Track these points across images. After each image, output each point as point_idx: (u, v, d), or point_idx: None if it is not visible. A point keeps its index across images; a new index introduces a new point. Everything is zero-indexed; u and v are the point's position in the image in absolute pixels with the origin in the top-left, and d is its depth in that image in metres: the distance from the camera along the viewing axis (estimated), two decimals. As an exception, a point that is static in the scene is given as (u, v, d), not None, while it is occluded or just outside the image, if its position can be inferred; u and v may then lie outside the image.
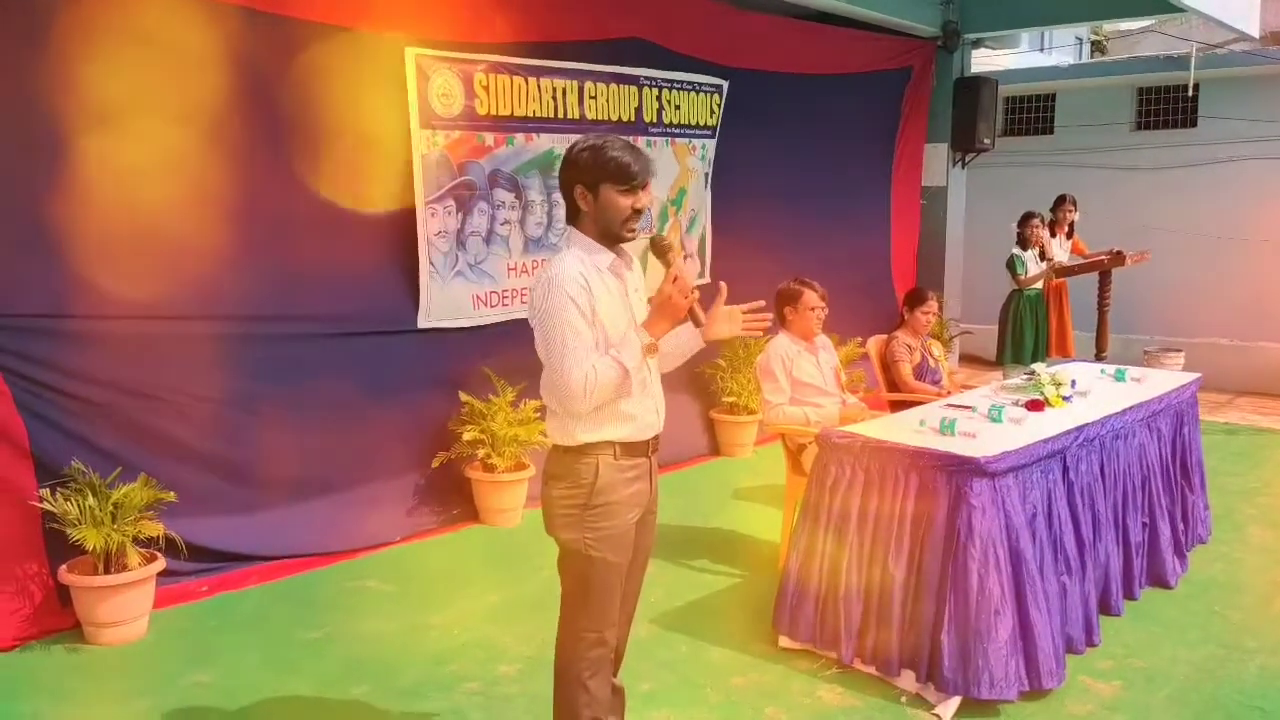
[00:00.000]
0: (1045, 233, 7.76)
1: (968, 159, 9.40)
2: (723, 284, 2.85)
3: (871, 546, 3.79)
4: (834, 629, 3.86)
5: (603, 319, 2.69)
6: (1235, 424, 8.16)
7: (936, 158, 9.30)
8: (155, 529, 4.29)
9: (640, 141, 6.58)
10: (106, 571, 4.14)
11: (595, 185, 2.70)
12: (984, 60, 10.83)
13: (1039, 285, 7.79)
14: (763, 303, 2.88)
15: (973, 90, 9.07)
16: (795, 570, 4.00)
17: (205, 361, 4.70)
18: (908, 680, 3.70)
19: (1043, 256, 7.76)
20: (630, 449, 2.80)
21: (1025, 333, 7.76)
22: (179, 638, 4.23)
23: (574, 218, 2.80)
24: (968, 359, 10.19)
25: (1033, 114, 11.06)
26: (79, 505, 4.11)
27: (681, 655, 4.01)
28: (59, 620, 4.22)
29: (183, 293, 4.60)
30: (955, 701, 3.55)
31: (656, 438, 2.90)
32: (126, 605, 4.17)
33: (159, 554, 4.34)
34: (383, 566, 5.02)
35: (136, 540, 4.22)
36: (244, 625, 4.35)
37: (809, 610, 3.93)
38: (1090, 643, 4.02)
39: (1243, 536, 5.41)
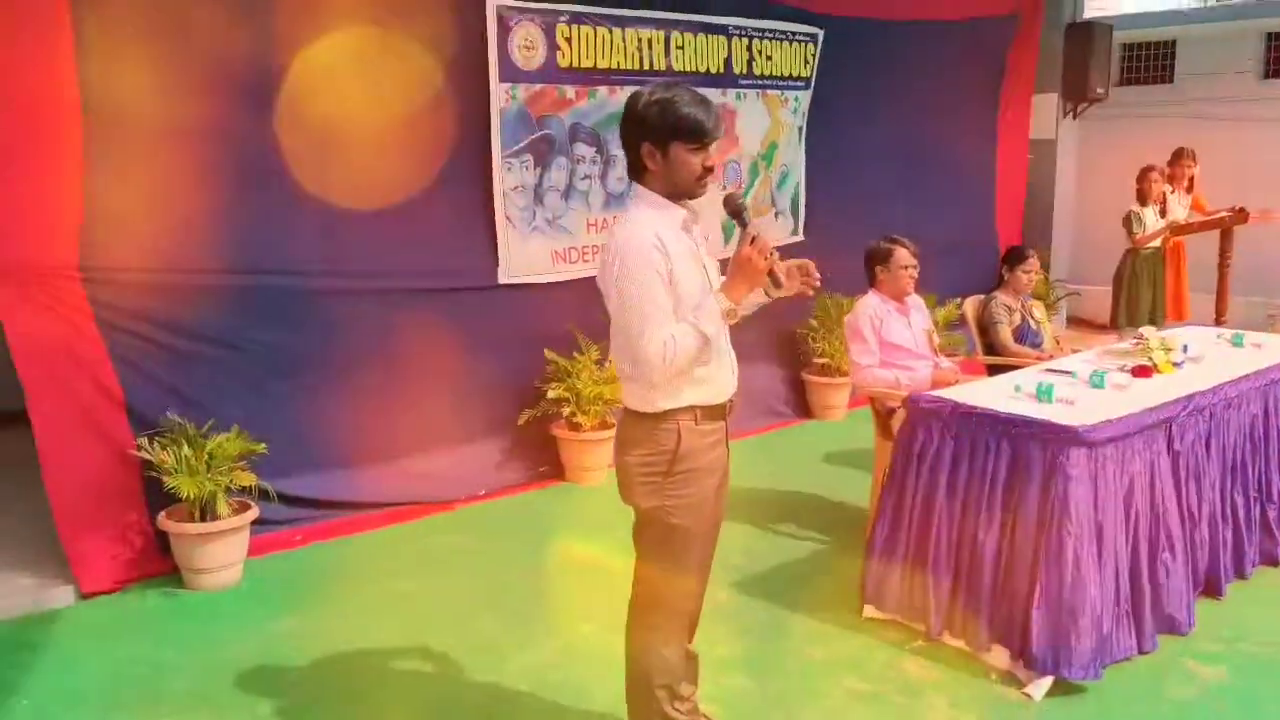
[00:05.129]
0: (1166, 187, 7.33)
1: (1080, 110, 8.95)
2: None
3: (961, 516, 3.64)
4: (922, 600, 3.73)
5: (679, 281, 2.57)
6: (1365, 393, 7.61)
7: (1045, 108, 8.88)
8: (248, 479, 4.40)
9: (730, 94, 6.41)
10: (202, 519, 4.26)
11: (665, 143, 2.56)
12: (1098, 4, 10.27)
13: (1157, 244, 7.38)
14: (811, 262, 2.68)
15: (1084, 36, 8.64)
16: (881, 538, 3.88)
17: (293, 317, 4.77)
18: (998, 656, 3.56)
19: (1163, 213, 7.34)
20: (710, 412, 2.71)
21: (1141, 294, 7.35)
22: (269, 585, 4.35)
23: (638, 174, 2.66)
24: (1077, 322, 9.79)
25: (1151, 61, 10.46)
26: (175, 455, 4.23)
27: (760, 622, 3.94)
28: (158, 565, 4.39)
29: (270, 249, 4.67)
30: (1047, 681, 3.40)
31: (732, 400, 2.80)
32: (221, 552, 4.30)
33: (252, 503, 4.45)
34: (472, 520, 5.08)
35: (230, 489, 4.33)
36: (333, 575, 4.45)
37: (895, 580, 3.82)
38: (1192, 624, 3.81)
39: (1369, 514, 5.04)
